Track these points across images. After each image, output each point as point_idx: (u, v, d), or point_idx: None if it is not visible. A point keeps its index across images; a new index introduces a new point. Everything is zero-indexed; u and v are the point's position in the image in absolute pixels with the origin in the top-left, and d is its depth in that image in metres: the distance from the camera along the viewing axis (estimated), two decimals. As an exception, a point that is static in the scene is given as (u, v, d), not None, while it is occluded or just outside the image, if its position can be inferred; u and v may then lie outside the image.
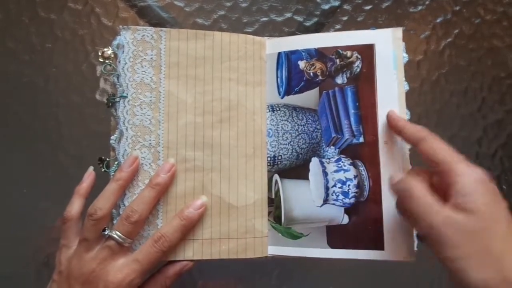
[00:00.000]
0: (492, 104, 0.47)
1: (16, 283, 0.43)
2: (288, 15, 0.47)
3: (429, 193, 0.29)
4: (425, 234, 0.28)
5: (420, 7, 0.48)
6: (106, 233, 0.33)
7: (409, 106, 0.38)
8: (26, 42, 0.45)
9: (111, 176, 0.36)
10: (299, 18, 0.47)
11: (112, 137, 0.37)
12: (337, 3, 0.47)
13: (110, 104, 0.37)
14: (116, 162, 0.36)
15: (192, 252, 0.36)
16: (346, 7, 0.47)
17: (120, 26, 0.37)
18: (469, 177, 0.28)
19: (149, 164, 0.36)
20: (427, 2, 0.48)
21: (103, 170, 0.36)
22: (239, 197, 0.37)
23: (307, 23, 0.47)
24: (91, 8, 0.46)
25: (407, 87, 0.38)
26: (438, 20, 0.48)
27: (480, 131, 0.46)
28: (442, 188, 0.29)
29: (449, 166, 0.29)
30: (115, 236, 0.33)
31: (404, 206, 0.30)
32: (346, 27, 0.47)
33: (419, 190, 0.29)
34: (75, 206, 0.35)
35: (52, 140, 0.44)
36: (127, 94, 0.36)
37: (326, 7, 0.47)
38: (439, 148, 0.30)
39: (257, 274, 0.44)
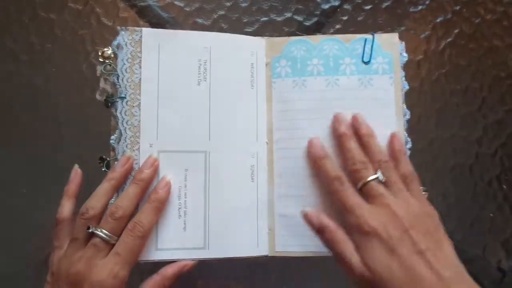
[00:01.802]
0: (492, 103, 0.47)
1: (16, 283, 0.43)
2: (288, 15, 0.47)
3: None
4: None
5: (420, 7, 0.48)
6: (90, 230, 0.33)
7: (409, 106, 0.38)
8: (26, 42, 0.45)
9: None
10: (299, 18, 0.47)
11: (112, 137, 0.37)
12: (337, 3, 0.47)
13: (109, 104, 0.37)
14: (116, 162, 0.36)
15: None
16: (346, 6, 0.47)
17: (118, 27, 0.37)
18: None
19: None
20: (427, 2, 0.48)
21: (103, 169, 0.36)
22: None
23: (307, 23, 0.47)
24: (91, 8, 0.46)
25: (407, 87, 0.38)
26: (438, 20, 0.48)
27: (480, 130, 0.46)
28: None
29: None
30: (99, 233, 0.32)
31: (324, 238, 0.33)
32: (346, 27, 0.47)
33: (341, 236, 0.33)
34: (65, 207, 0.35)
35: (52, 140, 0.44)
36: (125, 94, 0.36)
37: (326, 7, 0.47)
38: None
39: (257, 274, 0.44)
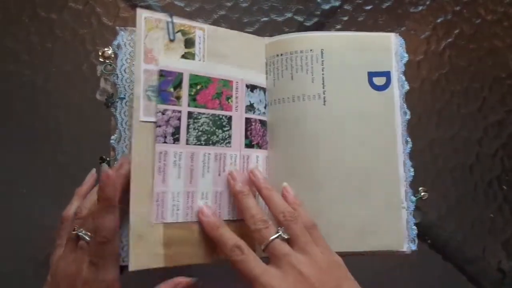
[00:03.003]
0: (493, 104, 0.47)
1: (16, 283, 0.43)
2: (289, 15, 0.47)
3: None
4: None
5: (420, 7, 0.48)
6: (75, 232, 0.32)
7: (410, 106, 0.38)
8: (26, 42, 0.45)
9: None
10: (300, 18, 0.47)
11: (112, 137, 0.37)
12: (337, 3, 0.47)
13: (109, 104, 0.37)
14: (116, 162, 0.36)
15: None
16: (346, 7, 0.47)
17: (118, 27, 0.37)
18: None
19: None
20: (427, 2, 0.48)
21: (104, 170, 0.36)
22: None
23: (308, 23, 0.47)
24: (92, 8, 0.46)
25: (407, 87, 0.38)
26: (438, 20, 0.48)
27: (480, 131, 0.46)
28: None
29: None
30: (82, 235, 0.32)
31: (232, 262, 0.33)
32: (347, 27, 0.47)
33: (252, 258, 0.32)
34: (74, 206, 0.35)
35: (52, 140, 0.44)
36: (124, 95, 0.36)
37: (327, 7, 0.47)
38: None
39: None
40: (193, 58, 0.36)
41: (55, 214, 0.43)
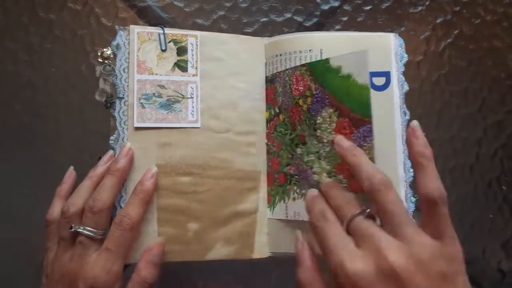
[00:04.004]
0: (492, 104, 0.47)
1: (16, 283, 0.43)
2: (288, 15, 0.47)
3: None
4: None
5: (420, 8, 0.48)
6: (73, 229, 0.32)
7: (409, 107, 0.38)
8: (25, 42, 0.45)
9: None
10: (299, 19, 0.47)
11: (112, 138, 0.37)
12: (337, 4, 0.47)
13: (109, 104, 0.37)
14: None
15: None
16: (346, 7, 0.47)
17: (117, 27, 0.37)
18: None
19: None
20: (427, 3, 0.48)
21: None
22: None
23: (307, 24, 0.47)
24: (91, 8, 0.46)
25: (407, 88, 0.38)
26: (438, 21, 0.48)
27: (480, 131, 0.46)
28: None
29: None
30: (82, 231, 0.32)
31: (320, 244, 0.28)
32: (346, 27, 0.47)
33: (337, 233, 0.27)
34: (56, 208, 0.35)
35: (52, 140, 0.44)
36: (123, 95, 0.36)
37: (326, 7, 0.47)
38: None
39: (257, 275, 0.44)
40: (186, 65, 0.37)
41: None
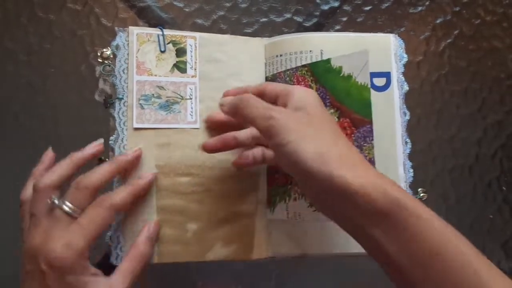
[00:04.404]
0: (492, 105, 0.47)
1: (16, 283, 0.43)
2: (288, 15, 0.47)
3: None
4: (264, 127, 0.29)
5: (419, 8, 0.48)
6: (50, 201, 0.30)
7: (409, 107, 0.38)
8: (24, 43, 0.45)
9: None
10: (299, 19, 0.47)
11: (111, 138, 0.37)
12: (336, 4, 0.47)
13: (108, 105, 0.37)
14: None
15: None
16: (345, 7, 0.47)
17: (116, 28, 0.37)
18: (301, 90, 0.31)
19: None
20: (426, 3, 0.48)
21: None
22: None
23: (307, 24, 0.47)
24: (90, 8, 0.46)
25: (406, 88, 0.38)
26: (438, 21, 0.48)
27: (480, 132, 0.46)
28: None
29: (287, 90, 0.31)
30: (61, 204, 0.30)
31: (241, 115, 0.30)
32: (346, 28, 0.47)
33: (256, 98, 0.30)
34: (29, 188, 0.33)
35: (51, 140, 0.44)
36: (123, 95, 0.36)
37: (326, 7, 0.47)
38: (275, 85, 0.32)
39: (257, 275, 0.44)
40: (185, 66, 0.37)
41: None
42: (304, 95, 0.30)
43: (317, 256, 0.38)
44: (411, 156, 0.38)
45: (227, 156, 0.37)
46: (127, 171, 0.35)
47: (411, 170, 0.38)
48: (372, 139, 0.32)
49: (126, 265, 0.32)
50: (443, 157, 0.46)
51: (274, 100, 0.32)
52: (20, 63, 0.45)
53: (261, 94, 0.32)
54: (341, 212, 0.27)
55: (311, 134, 0.28)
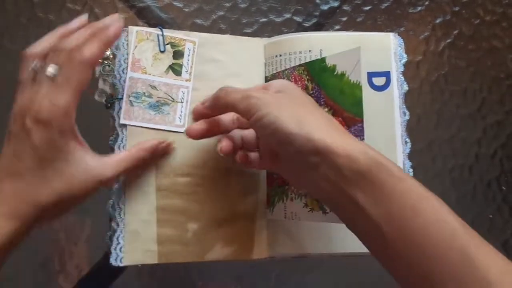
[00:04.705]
0: (492, 104, 0.47)
1: (16, 283, 0.43)
2: (287, 15, 0.47)
3: None
4: (244, 107, 0.29)
5: (419, 8, 0.48)
6: (34, 64, 0.30)
7: (409, 107, 0.38)
8: (24, 43, 0.45)
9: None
10: (298, 19, 0.47)
11: (111, 138, 0.37)
12: (336, 4, 0.47)
13: (108, 105, 0.37)
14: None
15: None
16: (345, 7, 0.47)
17: None
18: (280, 80, 0.34)
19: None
20: (426, 3, 0.48)
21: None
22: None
23: (306, 24, 0.47)
24: (90, 8, 0.46)
25: (406, 88, 0.38)
26: (437, 21, 0.48)
27: (479, 131, 0.46)
28: None
29: (265, 84, 0.33)
30: (44, 68, 0.30)
31: (223, 103, 0.31)
32: (346, 27, 0.47)
33: (236, 88, 0.32)
34: (41, 45, 0.32)
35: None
36: (122, 95, 0.36)
37: (326, 7, 0.47)
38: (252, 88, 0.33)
39: (257, 275, 0.44)
40: (180, 69, 0.37)
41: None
42: (283, 83, 0.33)
43: (317, 256, 0.38)
44: (411, 156, 0.38)
45: (228, 157, 0.37)
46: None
47: (411, 170, 0.38)
48: (363, 138, 0.32)
49: (123, 156, 0.33)
50: (443, 157, 0.46)
51: None
52: (20, 63, 0.45)
53: None
54: (322, 177, 0.27)
55: (289, 106, 0.29)
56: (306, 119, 0.28)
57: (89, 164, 0.31)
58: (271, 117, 0.28)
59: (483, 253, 0.24)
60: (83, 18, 0.33)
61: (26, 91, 0.30)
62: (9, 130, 0.30)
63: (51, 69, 0.30)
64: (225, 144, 0.33)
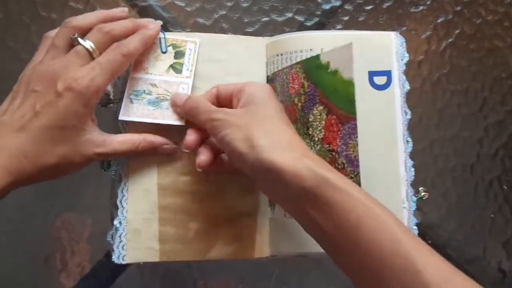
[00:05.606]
0: (493, 104, 0.47)
1: (16, 283, 0.43)
2: (289, 15, 0.47)
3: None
4: (209, 129, 0.32)
5: (421, 7, 0.48)
6: (75, 36, 0.32)
7: (410, 106, 0.38)
8: (26, 42, 0.45)
9: (112, 177, 0.36)
10: (300, 18, 0.47)
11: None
12: (338, 3, 0.47)
13: (110, 104, 0.37)
14: (116, 162, 0.36)
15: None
16: (347, 7, 0.47)
17: None
18: (252, 86, 0.33)
19: None
20: (428, 2, 0.48)
21: (103, 170, 0.36)
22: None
23: (308, 23, 0.47)
24: (92, 7, 0.46)
25: (408, 87, 0.38)
26: (439, 20, 0.48)
27: (481, 131, 0.46)
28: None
29: (238, 88, 0.33)
30: (83, 42, 0.32)
31: (195, 121, 0.34)
32: (347, 27, 0.47)
33: (206, 103, 0.33)
34: (87, 20, 0.33)
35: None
36: (122, 97, 0.36)
37: (327, 7, 0.47)
38: (228, 86, 0.35)
39: (258, 274, 0.44)
40: (181, 68, 0.37)
41: (54, 213, 0.43)
42: (254, 90, 0.33)
43: (318, 255, 0.37)
44: (412, 155, 0.38)
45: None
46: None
47: (412, 169, 0.38)
48: (356, 136, 0.32)
49: (125, 140, 0.34)
50: (445, 156, 0.46)
51: (230, 99, 0.34)
52: (23, 62, 0.45)
53: (217, 97, 0.35)
54: (279, 193, 0.29)
55: (247, 124, 0.30)
56: (258, 139, 0.29)
57: (94, 137, 0.32)
58: (228, 138, 0.30)
59: (426, 259, 0.25)
60: (125, 9, 0.35)
61: (61, 58, 0.32)
62: (26, 86, 0.31)
63: (91, 44, 0.32)
64: (203, 158, 0.34)
